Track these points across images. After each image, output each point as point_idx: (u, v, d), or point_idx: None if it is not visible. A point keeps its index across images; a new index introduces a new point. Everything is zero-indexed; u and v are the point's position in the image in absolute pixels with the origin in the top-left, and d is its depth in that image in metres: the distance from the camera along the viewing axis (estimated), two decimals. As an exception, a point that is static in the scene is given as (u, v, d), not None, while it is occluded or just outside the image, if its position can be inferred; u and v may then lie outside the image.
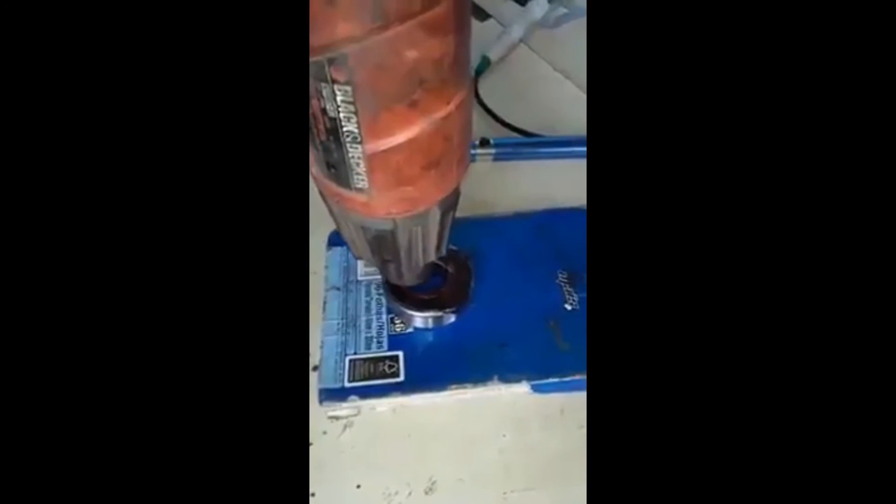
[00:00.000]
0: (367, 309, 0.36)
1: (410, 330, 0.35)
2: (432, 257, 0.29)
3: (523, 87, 0.52)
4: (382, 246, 0.27)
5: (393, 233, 0.26)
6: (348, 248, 0.39)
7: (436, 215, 0.26)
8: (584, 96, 0.51)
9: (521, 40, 0.55)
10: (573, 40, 0.55)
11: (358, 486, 0.30)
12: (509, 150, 0.46)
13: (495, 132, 0.47)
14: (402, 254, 0.28)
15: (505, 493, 0.30)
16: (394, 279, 0.32)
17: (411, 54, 0.18)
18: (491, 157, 0.45)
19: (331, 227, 0.40)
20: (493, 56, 0.52)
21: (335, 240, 0.40)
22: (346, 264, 0.38)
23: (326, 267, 0.38)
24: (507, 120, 0.48)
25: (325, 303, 0.36)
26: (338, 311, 0.36)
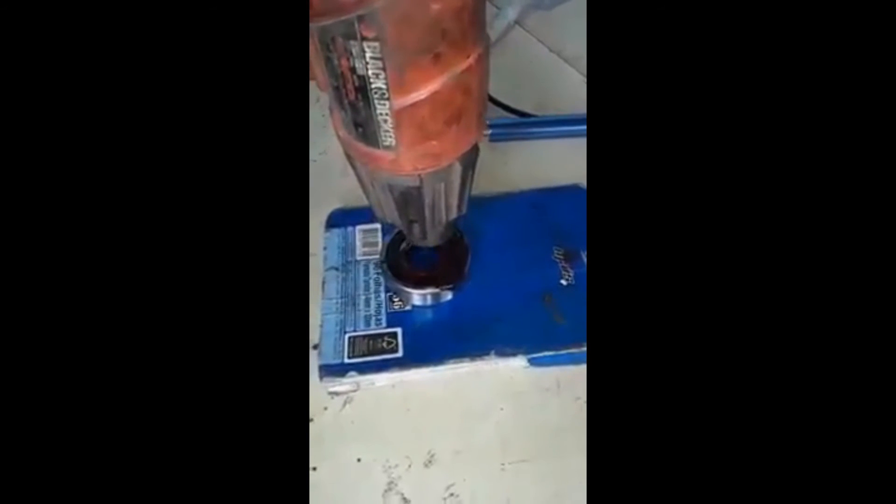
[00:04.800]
0: (366, 288, 0.37)
1: (409, 307, 0.36)
2: (454, 214, 0.30)
3: (519, 68, 0.52)
4: (408, 204, 0.28)
5: (419, 189, 0.27)
6: (346, 230, 0.39)
7: (458, 170, 0.27)
8: (579, 76, 0.51)
9: (516, 22, 0.55)
10: (568, 21, 0.55)
11: (358, 460, 0.31)
12: (505, 130, 0.46)
13: (491, 113, 0.47)
14: (427, 211, 0.29)
15: (502, 465, 0.31)
16: (418, 240, 0.33)
17: (435, 6, 0.19)
18: (487, 138, 0.45)
19: (328, 209, 0.41)
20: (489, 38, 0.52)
21: (333, 221, 0.40)
22: (344, 245, 0.39)
23: (325, 248, 0.39)
24: (503, 101, 0.48)
25: (324, 282, 0.37)
26: (337, 291, 0.36)
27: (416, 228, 0.31)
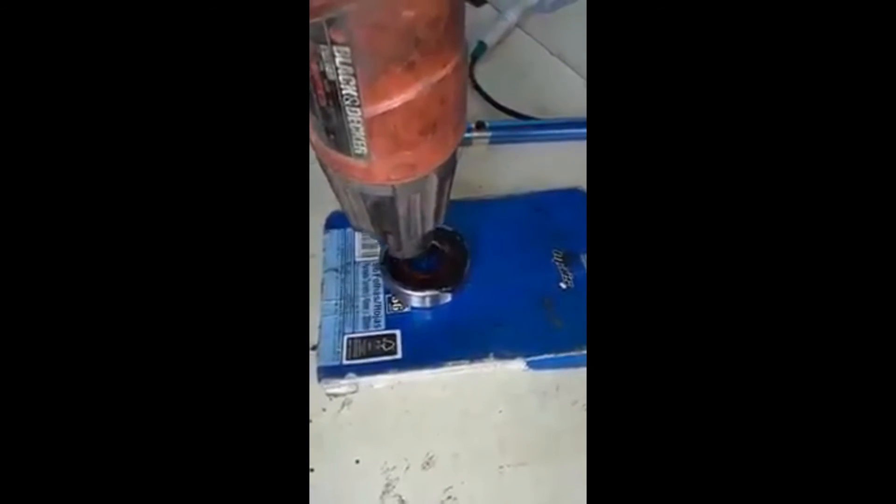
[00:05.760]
0: (365, 289, 0.37)
1: (408, 309, 0.36)
2: (431, 226, 0.30)
3: (519, 70, 0.52)
4: (382, 214, 0.27)
5: (392, 200, 0.26)
6: (346, 231, 0.39)
7: (433, 182, 0.26)
8: (580, 79, 0.51)
9: (516, 25, 0.55)
10: (568, 24, 0.55)
11: (357, 462, 0.31)
12: (505, 133, 0.46)
13: (492, 116, 0.47)
14: (402, 222, 0.28)
15: (501, 467, 0.31)
16: (394, 251, 0.32)
17: (408, 14, 0.19)
18: (487, 141, 0.45)
19: (328, 210, 0.41)
20: (490, 41, 0.53)
21: (333, 223, 0.40)
22: (343, 246, 0.39)
23: (324, 249, 0.39)
24: (504, 103, 0.48)
25: (322, 284, 0.37)
26: (336, 292, 0.37)
27: (391, 239, 0.30)
